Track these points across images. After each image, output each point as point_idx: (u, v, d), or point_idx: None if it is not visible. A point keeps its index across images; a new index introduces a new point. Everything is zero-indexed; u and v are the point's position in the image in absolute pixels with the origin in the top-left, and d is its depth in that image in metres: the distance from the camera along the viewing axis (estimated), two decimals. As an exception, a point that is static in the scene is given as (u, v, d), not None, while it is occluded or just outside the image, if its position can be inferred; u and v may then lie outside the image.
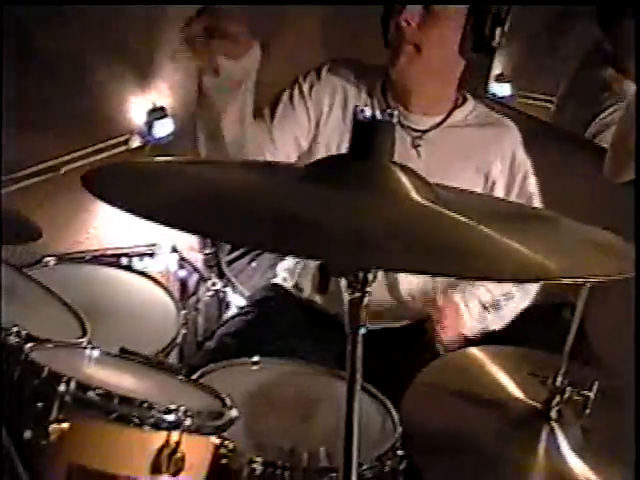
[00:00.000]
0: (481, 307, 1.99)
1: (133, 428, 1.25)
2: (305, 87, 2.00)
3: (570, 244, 0.79)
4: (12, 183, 2.65)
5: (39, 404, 1.24)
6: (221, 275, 3.32)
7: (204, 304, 3.19)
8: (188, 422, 1.27)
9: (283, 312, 2.18)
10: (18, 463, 1.20)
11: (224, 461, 1.45)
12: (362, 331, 0.91)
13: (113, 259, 2.81)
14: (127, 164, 1.33)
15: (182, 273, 3.25)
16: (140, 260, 3.18)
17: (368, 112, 0.94)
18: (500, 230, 0.75)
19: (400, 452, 1.57)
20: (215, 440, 1.41)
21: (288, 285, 2.24)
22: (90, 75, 2.77)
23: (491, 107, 2.14)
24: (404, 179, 0.91)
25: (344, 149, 0.95)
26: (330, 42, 2.94)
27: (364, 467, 1.50)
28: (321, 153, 1.97)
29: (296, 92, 2.00)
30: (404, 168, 0.93)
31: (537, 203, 2.02)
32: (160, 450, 1.26)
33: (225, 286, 3.20)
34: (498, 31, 1.86)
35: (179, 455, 1.28)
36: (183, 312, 2.21)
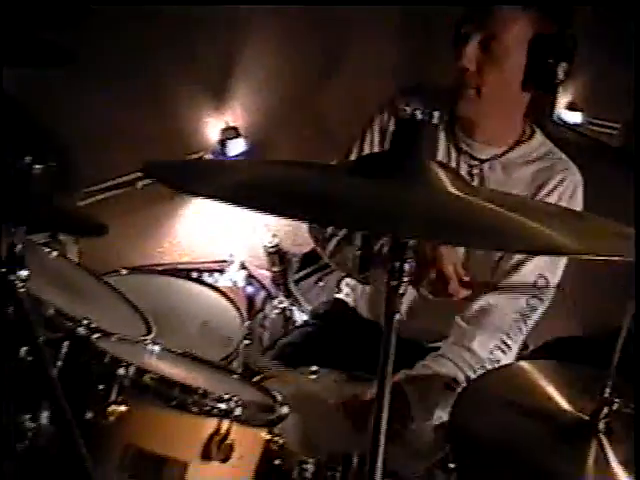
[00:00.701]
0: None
1: (187, 414, 1.32)
2: (383, 125, 2.03)
3: (591, 231, 0.83)
4: (91, 195, 2.80)
5: (100, 387, 1.32)
6: (288, 293, 3.40)
7: (270, 321, 3.27)
8: (238, 411, 1.33)
9: (343, 325, 2.23)
10: (81, 443, 1.27)
11: (277, 462, 1.51)
12: (397, 317, 0.95)
13: (183, 273, 2.93)
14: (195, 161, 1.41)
15: (250, 290, 3.35)
16: (210, 275, 3.29)
17: (410, 111, 0.99)
18: (527, 217, 0.79)
19: (451, 465, 1.59)
20: (265, 435, 1.45)
21: (349, 300, 2.28)
22: (170, 96, 2.92)
23: (559, 137, 2.11)
24: (441, 174, 0.96)
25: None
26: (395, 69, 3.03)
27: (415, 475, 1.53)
28: None
29: (376, 132, 2.03)
30: (443, 165, 0.98)
31: None
32: (211, 437, 1.33)
33: (292, 304, 3.28)
34: (561, 68, 1.85)
35: (228, 443, 1.33)
36: (247, 323, 2.28)
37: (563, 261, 1.97)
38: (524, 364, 1.68)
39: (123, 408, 1.31)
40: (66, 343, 1.43)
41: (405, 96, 2.02)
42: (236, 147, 3.10)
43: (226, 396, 1.33)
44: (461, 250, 1.95)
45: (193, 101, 3.02)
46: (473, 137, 1.98)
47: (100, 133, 2.77)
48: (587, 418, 1.45)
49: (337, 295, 2.37)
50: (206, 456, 1.33)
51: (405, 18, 3.06)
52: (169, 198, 3.16)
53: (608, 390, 1.41)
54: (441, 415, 1.85)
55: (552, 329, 2.50)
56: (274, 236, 3.41)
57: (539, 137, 2.03)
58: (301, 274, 3.41)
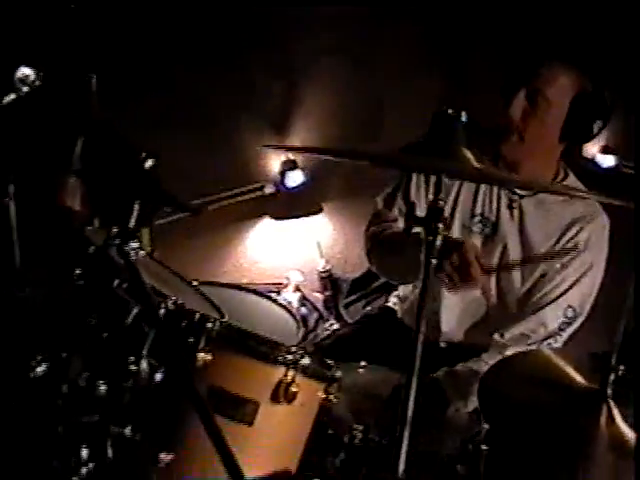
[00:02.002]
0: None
1: (260, 362, 1.61)
2: None
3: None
4: (167, 215, 3.13)
5: (191, 339, 1.62)
6: (338, 316, 3.66)
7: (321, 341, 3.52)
8: (303, 362, 1.62)
9: (388, 327, 2.47)
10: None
11: (330, 431, 1.77)
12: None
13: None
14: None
15: (304, 311, 3.62)
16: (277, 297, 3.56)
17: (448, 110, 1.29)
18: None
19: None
20: (322, 393, 1.73)
21: (396, 308, 2.52)
22: (236, 129, 3.26)
23: (591, 180, 2.28)
24: (468, 154, 1.26)
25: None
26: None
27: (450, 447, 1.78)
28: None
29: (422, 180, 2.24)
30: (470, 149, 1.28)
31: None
32: (279, 382, 1.61)
33: (342, 327, 3.53)
34: (597, 125, 2.08)
35: (293, 389, 1.62)
36: (302, 329, 2.54)
37: (593, 295, 2.21)
38: (546, 350, 1.94)
39: (209, 356, 1.61)
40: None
41: None
42: (294, 179, 3.41)
43: (293, 348, 1.62)
44: (493, 284, 2.21)
45: (256, 135, 3.35)
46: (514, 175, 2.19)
47: (170, 158, 3.10)
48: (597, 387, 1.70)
49: (386, 304, 2.63)
50: (274, 398, 1.61)
51: (446, 57, 3.36)
52: (234, 223, 3.48)
53: (613, 361, 1.66)
54: (475, 403, 2.09)
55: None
56: (327, 262, 3.69)
57: (572, 178, 2.26)
58: (350, 299, 3.67)
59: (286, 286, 3.64)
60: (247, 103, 3.29)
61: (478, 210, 2.23)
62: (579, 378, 1.76)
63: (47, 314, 1.96)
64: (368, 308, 3.58)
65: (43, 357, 1.69)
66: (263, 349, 1.62)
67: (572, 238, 2.17)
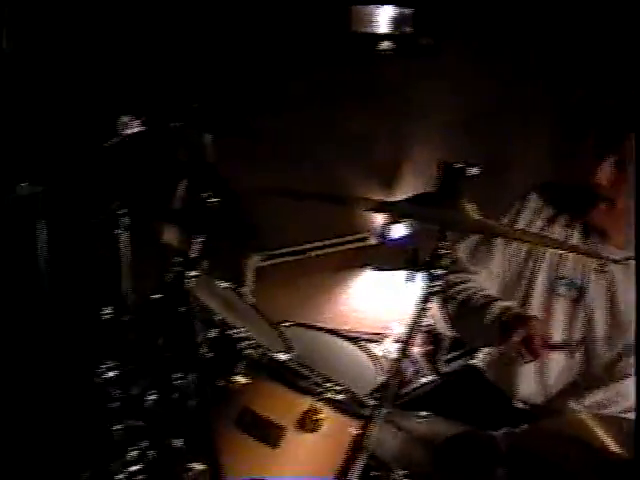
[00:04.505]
0: None
1: (291, 389, 1.74)
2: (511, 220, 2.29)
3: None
4: (270, 258, 3.35)
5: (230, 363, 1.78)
6: (437, 372, 3.68)
7: (417, 394, 3.56)
8: (333, 395, 1.73)
9: (470, 384, 2.50)
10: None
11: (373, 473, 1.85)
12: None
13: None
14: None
15: (403, 363, 3.64)
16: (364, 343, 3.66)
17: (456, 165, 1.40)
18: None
19: None
20: (354, 429, 1.82)
21: (481, 364, 2.53)
22: (343, 181, 3.42)
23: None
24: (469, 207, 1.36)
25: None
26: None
27: None
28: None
29: (527, 211, 2.29)
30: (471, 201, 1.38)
31: None
32: (306, 411, 1.73)
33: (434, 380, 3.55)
34: None
35: (319, 419, 1.73)
36: (380, 378, 2.60)
37: None
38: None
39: (246, 379, 1.76)
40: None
41: (542, 191, 2.31)
42: (397, 231, 3.53)
43: (326, 382, 1.73)
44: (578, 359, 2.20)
45: (364, 187, 3.50)
46: (604, 241, 2.20)
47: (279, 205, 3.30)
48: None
49: (470, 362, 2.64)
50: (300, 426, 1.73)
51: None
52: (336, 271, 3.63)
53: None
54: None
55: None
56: (430, 317, 3.73)
57: None
58: (450, 356, 3.69)
59: (386, 336, 3.72)
60: (358, 155, 3.45)
61: (565, 272, 2.22)
62: (614, 445, 1.76)
63: (128, 332, 2.19)
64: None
65: (113, 365, 1.91)
66: (299, 382, 1.74)
67: None
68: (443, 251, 1.38)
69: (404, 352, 3.51)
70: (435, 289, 1.50)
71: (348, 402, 1.80)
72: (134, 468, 1.75)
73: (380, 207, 1.64)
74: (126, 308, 2.34)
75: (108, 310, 2.12)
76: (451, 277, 2.33)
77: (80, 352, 2.07)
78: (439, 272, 1.45)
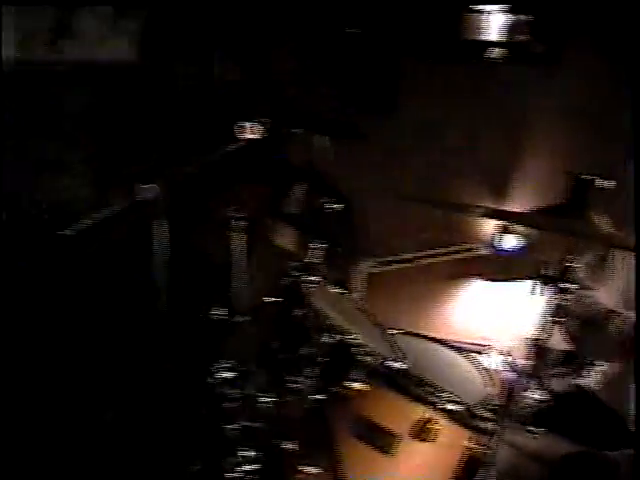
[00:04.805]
0: None
1: (406, 398, 1.73)
2: None
3: None
4: (381, 265, 3.34)
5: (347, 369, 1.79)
6: (542, 387, 3.58)
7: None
8: (449, 406, 1.71)
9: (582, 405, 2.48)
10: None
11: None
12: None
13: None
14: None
15: (509, 375, 3.59)
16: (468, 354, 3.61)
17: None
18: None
19: None
20: (467, 442, 1.80)
21: (592, 385, 2.51)
22: (455, 189, 3.38)
23: None
24: (598, 219, 1.32)
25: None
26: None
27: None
28: None
29: None
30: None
31: None
32: (422, 421, 1.72)
33: (546, 398, 3.46)
34: None
35: (433, 429, 1.71)
36: (488, 390, 2.56)
37: None
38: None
39: (362, 386, 1.76)
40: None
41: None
42: (509, 242, 3.45)
43: (441, 392, 1.72)
44: None
45: (474, 197, 3.45)
46: None
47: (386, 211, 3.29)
48: None
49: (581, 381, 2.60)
50: (415, 435, 1.72)
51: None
52: (447, 280, 3.58)
53: None
54: None
55: None
56: (537, 330, 3.64)
57: None
58: (556, 371, 3.58)
59: (492, 348, 3.65)
60: (468, 163, 3.41)
61: None
62: None
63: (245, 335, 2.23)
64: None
65: (228, 366, 1.95)
66: (415, 390, 1.73)
67: None
68: (574, 265, 1.33)
69: (515, 365, 3.48)
70: (564, 302, 1.46)
71: (461, 413, 1.78)
72: (248, 468, 1.77)
73: (510, 217, 1.59)
74: (240, 310, 2.39)
75: (221, 311, 2.16)
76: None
77: (195, 351, 2.12)
78: (569, 286, 1.41)
